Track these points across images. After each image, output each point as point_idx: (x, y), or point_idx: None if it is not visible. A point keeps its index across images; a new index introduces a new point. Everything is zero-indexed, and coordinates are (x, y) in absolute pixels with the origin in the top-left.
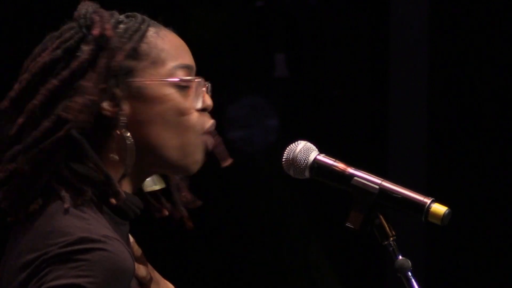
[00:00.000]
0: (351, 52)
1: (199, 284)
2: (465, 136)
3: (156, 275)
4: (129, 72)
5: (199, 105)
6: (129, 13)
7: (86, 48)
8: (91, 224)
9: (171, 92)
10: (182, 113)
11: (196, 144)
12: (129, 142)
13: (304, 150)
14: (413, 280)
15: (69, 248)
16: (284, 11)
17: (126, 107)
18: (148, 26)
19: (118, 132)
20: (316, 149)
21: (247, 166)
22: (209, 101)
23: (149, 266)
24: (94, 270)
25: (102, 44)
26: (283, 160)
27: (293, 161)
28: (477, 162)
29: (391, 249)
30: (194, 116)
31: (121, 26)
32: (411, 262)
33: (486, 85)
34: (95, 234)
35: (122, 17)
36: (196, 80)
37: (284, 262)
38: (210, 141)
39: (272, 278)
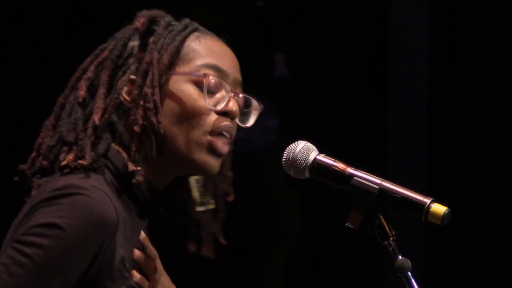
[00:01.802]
0: (351, 52)
1: (197, 283)
2: (465, 136)
3: (165, 279)
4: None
5: (217, 106)
6: (184, 18)
7: (131, 44)
8: (85, 178)
9: (188, 88)
10: (193, 111)
11: (201, 143)
12: (136, 128)
13: (304, 150)
14: (413, 280)
15: (54, 193)
16: (284, 11)
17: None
18: (193, 31)
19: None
20: (316, 149)
21: (247, 167)
22: (233, 108)
23: (162, 269)
24: (72, 212)
25: (141, 38)
26: (283, 160)
27: (293, 161)
28: (477, 162)
29: (391, 249)
30: (207, 117)
31: (169, 28)
32: (411, 262)
33: (486, 85)
34: (84, 183)
35: (177, 23)
36: (209, 75)
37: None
38: (219, 143)
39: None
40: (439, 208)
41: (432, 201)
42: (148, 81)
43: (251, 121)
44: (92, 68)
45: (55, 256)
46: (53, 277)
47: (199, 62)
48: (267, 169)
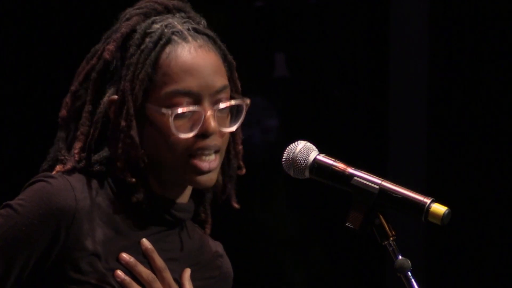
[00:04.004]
0: (351, 52)
1: None
2: (465, 136)
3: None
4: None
5: (192, 130)
6: (168, 23)
7: (116, 55)
8: (60, 171)
9: (161, 117)
10: (168, 139)
11: (185, 167)
12: (118, 164)
13: (304, 150)
14: (413, 280)
15: (29, 182)
16: (284, 11)
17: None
18: (165, 44)
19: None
20: (316, 149)
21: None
22: (208, 127)
23: (171, 282)
24: (28, 196)
25: (111, 66)
26: (283, 160)
27: (293, 161)
28: (477, 162)
29: (391, 249)
30: (183, 142)
31: (147, 39)
32: (411, 262)
33: (486, 85)
34: (54, 174)
35: (158, 25)
36: (169, 112)
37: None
38: (202, 164)
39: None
40: (439, 208)
41: (432, 201)
42: (124, 113)
43: (239, 120)
44: (80, 78)
45: (1, 234)
46: (1, 255)
47: (169, 88)
48: (267, 168)
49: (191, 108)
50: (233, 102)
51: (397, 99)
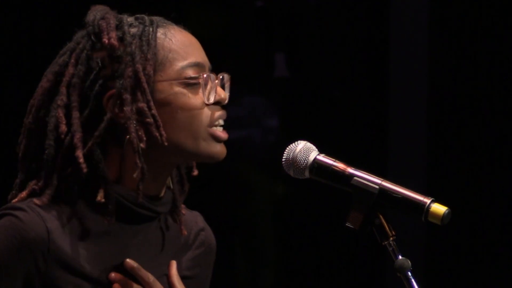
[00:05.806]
0: (351, 52)
1: None
2: (465, 136)
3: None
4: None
5: (210, 99)
6: (138, 15)
7: (98, 57)
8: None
9: (180, 91)
10: (191, 111)
11: (207, 138)
12: (142, 145)
13: (304, 150)
14: (413, 280)
15: None
16: (284, 11)
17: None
18: (157, 28)
19: (128, 136)
20: (316, 149)
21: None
22: (222, 94)
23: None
24: None
25: (113, 53)
26: (283, 160)
27: (293, 161)
28: (477, 162)
29: (391, 249)
30: (204, 112)
31: (132, 30)
32: (411, 262)
33: (486, 85)
34: (21, 204)
35: (131, 19)
36: (203, 75)
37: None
38: (218, 132)
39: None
40: (439, 208)
41: (432, 201)
42: (140, 96)
43: (227, 95)
44: (63, 90)
45: None
46: None
47: (180, 63)
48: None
49: (208, 76)
50: (226, 75)
51: (397, 99)
